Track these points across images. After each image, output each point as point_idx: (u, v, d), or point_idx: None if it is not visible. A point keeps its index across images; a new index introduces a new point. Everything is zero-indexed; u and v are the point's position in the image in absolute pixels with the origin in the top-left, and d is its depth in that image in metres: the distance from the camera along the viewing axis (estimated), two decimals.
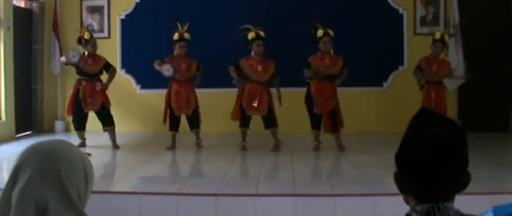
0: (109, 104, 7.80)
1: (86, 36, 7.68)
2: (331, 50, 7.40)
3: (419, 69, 7.61)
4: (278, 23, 9.12)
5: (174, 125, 7.62)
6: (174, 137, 7.62)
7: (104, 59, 7.81)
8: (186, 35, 7.59)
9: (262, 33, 7.44)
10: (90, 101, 7.66)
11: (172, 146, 7.60)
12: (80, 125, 7.80)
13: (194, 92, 7.64)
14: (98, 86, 7.70)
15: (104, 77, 7.87)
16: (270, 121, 7.49)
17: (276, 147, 7.42)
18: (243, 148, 7.47)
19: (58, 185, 1.32)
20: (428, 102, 7.51)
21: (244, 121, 7.49)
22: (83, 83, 7.66)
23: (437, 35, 7.55)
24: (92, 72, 7.68)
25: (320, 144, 7.43)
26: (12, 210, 1.30)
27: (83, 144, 7.68)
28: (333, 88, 7.37)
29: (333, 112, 7.37)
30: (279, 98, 7.44)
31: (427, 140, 1.39)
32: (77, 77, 7.77)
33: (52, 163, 1.34)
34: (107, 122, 7.76)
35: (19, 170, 1.35)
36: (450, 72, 7.76)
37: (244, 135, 7.51)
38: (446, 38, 7.60)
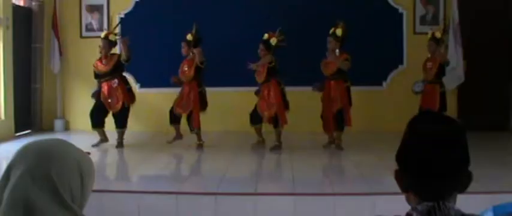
0: (129, 101, 7.74)
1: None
2: (336, 50, 7.25)
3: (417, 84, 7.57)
4: (280, 23, 9.11)
5: (173, 119, 7.63)
6: (177, 129, 7.64)
7: (117, 55, 7.77)
8: (189, 37, 7.55)
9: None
10: (112, 101, 7.62)
11: (178, 136, 7.61)
12: (98, 122, 7.70)
13: (195, 92, 7.54)
14: (115, 83, 7.65)
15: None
16: (276, 121, 7.43)
17: (276, 147, 7.40)
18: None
19: (48, 185, 1.32)
20: (422, 102, 7.47)
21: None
22: (102, 84, 7.70)
23: (429, 34, 7.62)
24: (103, 72, 7.67)
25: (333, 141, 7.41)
26: (1, 209, 1.30)
27: (103, 141, 7.65)
28: (339, 87, 7.28)
29: (339, 112, 7.30)
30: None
31: (427, 137, 1.40)
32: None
33: (43, 163, 1.34)
34: (120, 123, 7.69)
35: (11, 169, 1.35)
36: (445, 62, 7.58)
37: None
38: (437, 34, 7.56)
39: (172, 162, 7.18)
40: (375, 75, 9.27)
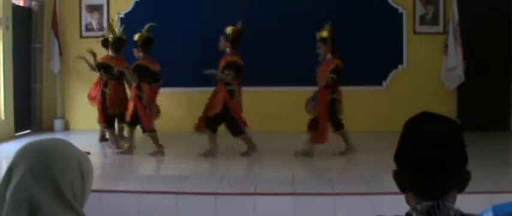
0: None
1: None
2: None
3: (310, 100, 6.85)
4: (278, 22, 9.12)
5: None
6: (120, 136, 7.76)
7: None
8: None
9: None
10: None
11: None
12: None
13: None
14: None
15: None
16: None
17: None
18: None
19: (50, 183, 1.32)
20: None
21: None
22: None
23: (318, 36, 6.79)
24: None
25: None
26: (5, 208, 1.30)
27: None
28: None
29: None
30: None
31: (423, 136, 1.41)
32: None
33: (45, 162, 1.34)
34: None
35: (13, 169, 1.35)
36: (332, 74, 6.63)
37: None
38: (324, 34, 6.71)
39: (171, 162, 7.17)
40: (375, 75, 9.27)
